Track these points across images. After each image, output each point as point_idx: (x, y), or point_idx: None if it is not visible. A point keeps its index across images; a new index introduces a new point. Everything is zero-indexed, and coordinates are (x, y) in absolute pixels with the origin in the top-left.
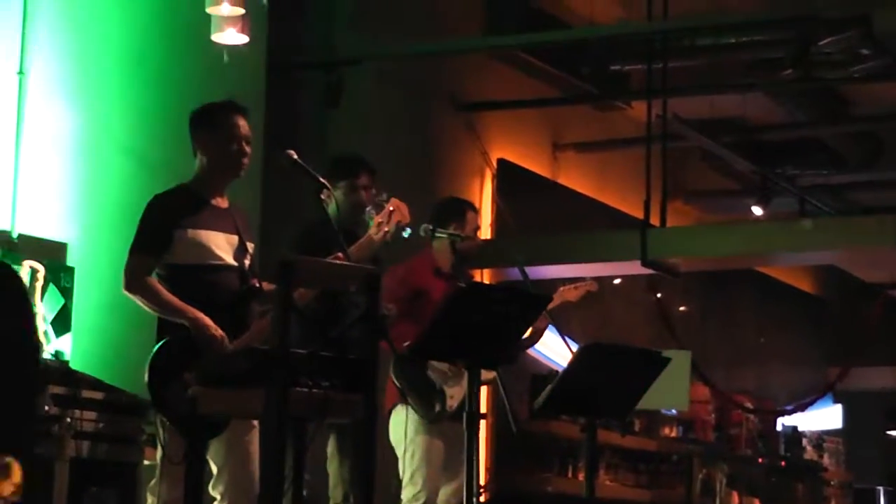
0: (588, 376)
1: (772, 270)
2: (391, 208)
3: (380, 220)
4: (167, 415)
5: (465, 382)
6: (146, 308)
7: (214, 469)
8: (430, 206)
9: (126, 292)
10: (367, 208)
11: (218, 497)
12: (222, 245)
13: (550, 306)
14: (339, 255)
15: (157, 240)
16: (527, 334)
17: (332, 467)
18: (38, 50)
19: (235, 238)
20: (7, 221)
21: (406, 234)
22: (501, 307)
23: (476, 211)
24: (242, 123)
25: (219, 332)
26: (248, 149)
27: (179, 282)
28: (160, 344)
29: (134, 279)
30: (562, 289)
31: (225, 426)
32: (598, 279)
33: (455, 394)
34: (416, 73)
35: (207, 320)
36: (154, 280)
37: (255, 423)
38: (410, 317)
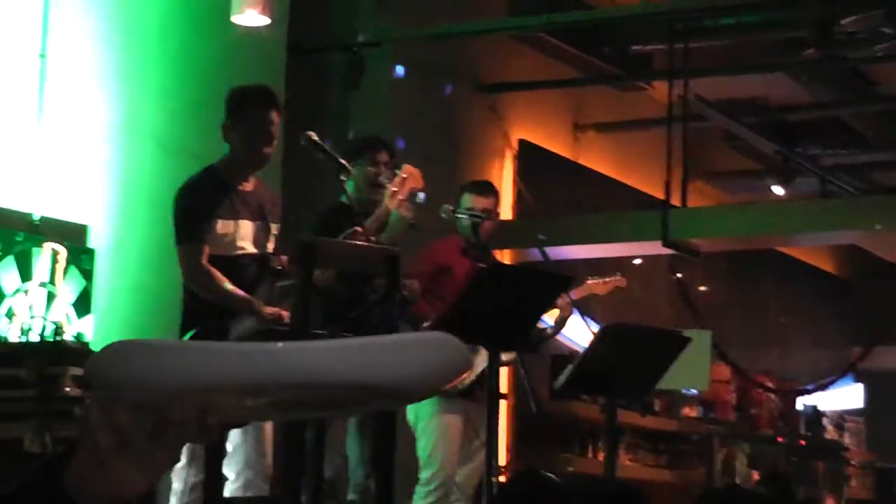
0: (608, 357)
1: (793, 251)
2: (404, 175)
3: (394, 188)
4: None
5: (479, 360)
6: (208, 295)
7: (229, 448)
8: (452, 187)
9: (187, 283)
10: (382, 175)
11: (232, 476)
12: (247, 233)
13: (576, 297)
14: (358, 229)
15: (201, 226)
16: (552, 322)
17: (353, 448)
18: (60, 33)
19: (260, 223)
20: (29, 203)
21: (420, 200)
22: (522, 288)
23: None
24: (273, 119)
25: (276, 309)
26: (272, 146)
27: None
28: (190, 335)
29: (193, 268)
30: (590, 282)
31: None
32: (618, 259)
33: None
34: (438, 55)
35: (271, 309)
36: (211, 267)
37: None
38: (434, 294)
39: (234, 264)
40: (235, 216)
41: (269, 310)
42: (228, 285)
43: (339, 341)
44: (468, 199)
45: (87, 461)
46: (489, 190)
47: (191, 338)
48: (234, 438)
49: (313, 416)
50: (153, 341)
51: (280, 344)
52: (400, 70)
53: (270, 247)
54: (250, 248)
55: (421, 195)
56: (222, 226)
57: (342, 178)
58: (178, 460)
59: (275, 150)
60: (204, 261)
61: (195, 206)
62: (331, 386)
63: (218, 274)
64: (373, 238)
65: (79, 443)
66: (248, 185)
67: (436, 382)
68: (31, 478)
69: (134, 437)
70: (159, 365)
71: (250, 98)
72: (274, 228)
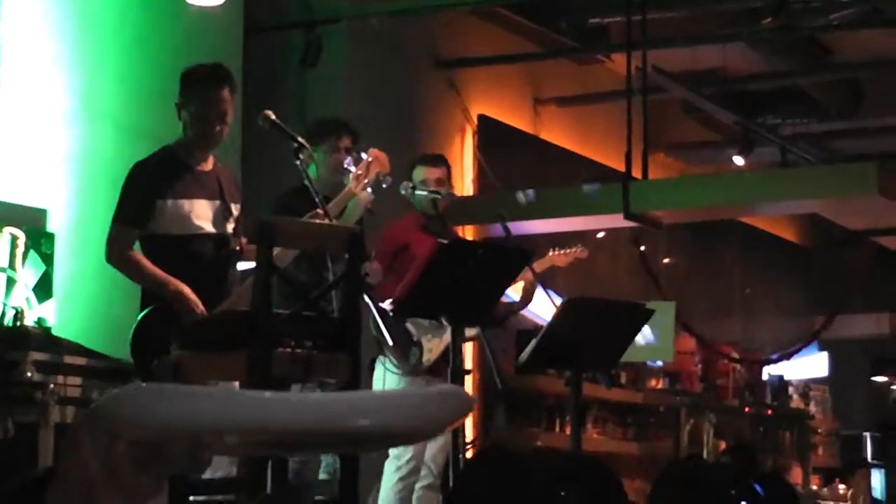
0: (572, 330)
1: (755, 220)
2: (370, 159)
3: (359, 171)
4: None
5: (444, 336)
6: (129, 277)
7: None
8: (410, 164)
9: (108, 262)
10: (346, 161)
11: None
12: (203, 212)
13: (538, 269)
14: (319, 211)
15: (140, 210)
16: (516, 297)
17: None
18: (14, 17)
19: (218, 203)
20: None
21: (385, 184)
22: (484, 263)
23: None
24: (225, 96)
25: (199, 305)
26: (226, 123)
27: (159, 251)
28: (143, 313)
29: (116, 250)
30: (551, 254)
31: None
32: (580, 233)
33: (433, 347)
34: (395, 31)
35: (189, 292)
36: (136, 252)
37: (236, 384)
38: (395, 272)
39: (190, 243)
40: (190, 195)
41: (192, 297)
42: (150, 269)
43: (339, 394)
44: (420, 172)
45: (71, 488)
46: (440, 161)
47: (144, 316)
48: None
49: (307, 453)
50: (165, 386)
51: (284, 394)
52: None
53: (230, 227)
54: (208, 228)
55: (387, 178)
56: (176, 205)
57: (301, 157)
58: (162, 489)
59: (228, 127)
60: (129, 245)
61: (137, 189)
62: (326, 435)
63: (141, 258)
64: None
65: (61, 468)
66: (206, 166)
67: (435, 432)
68: (8, 501)
69: (125, 469)
70: (168, 408)
71: (201, 77)
72: (234, 209)
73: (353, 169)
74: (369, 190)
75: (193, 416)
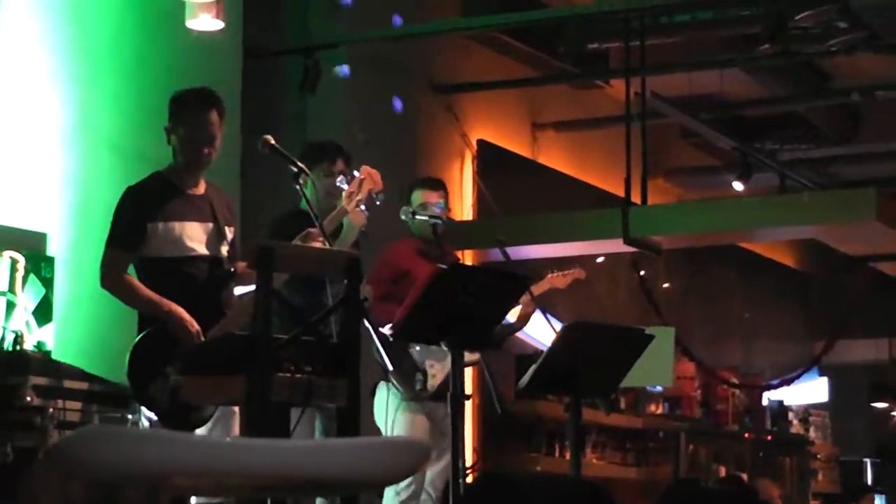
0: (572, 355)
1: (754, 246)
2: (362, 177)
3: (351, 189)
4: (151, 408)
5: (448, 362)
6: (123, 301)
7: None
8: (409, 187)
9: (103, 287)
10: (338, 179)
11: None
12: (196, 235)
13: (537, 292)
14: (311, 230)
15: (131, 234)
16: (514, 319)
17: None
18: (11, 39)
19: (211, 225)
20: None
21: (379, 201)
22: (483, 288)
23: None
24: (213, 119)
25: (194, 326)
26: (214, 146)
27: (153, 274)
28: (140, 337)
29: (110, 274)
30: (549, 276)
31: (209, 417)
32: (580, 258)
33: (437, 373)
34: (394, 56)
35: (184, 314)
36: (129, 276)
37: (235, 409)
38: (394, 298)
39: (183, 265)
40: (182, 218)
41: (187, 319)
42: (144, 292)
43: (295, 443)
44: (419, 196)
45: None
46: (438, 184)
47: (141, 339)
48: None
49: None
50: (122, 429)
51: (241, 440)
52: (345, 69)
53: (224, 250)
54: (201, 250)
55: (380, 196)
56: (167, 228)
57: (300, 181)
58: None
59: (217, 150)
60: (122, 269)
61: (128, 212)
62: (280, 481)
63: (135, 282)
64: (325, 240)
65: None
66: (198, 189)
67: (388, 482)
68: None
69: None
70: (125, 451)
71: (189, 100)
72: (228, 232)
73: (345, 187)
74: (362, 207)
75: (149, 459)
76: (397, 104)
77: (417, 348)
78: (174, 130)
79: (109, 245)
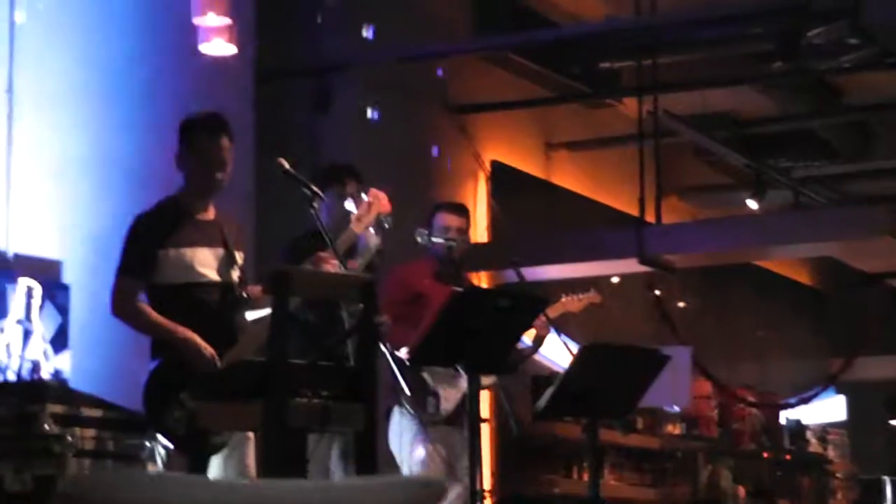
0: (589, 377)
1: (769, 264)
2: (370, 200)
3: (360, 213)
4: (167, 436)
5: (460, 385)
6: (136, 329)
7: (210, 476)
8: (423, 210)
9: (114, 315)
10: (346, 203)
11: None
12: (207, 260)
13: (552, 314)
14: (321, 254)
15: (142, 262)
16: (529, 342)
17: (337, 477)
18: (26, 68)
19: (221, 251)
20: (2, 240)
21: (387, 224)
22: (499, 310)
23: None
24: (224, 144)
25: (209, 350)
26: (226, 172)
27: (164, 301)
28: (154, 364)
29: (121, 303)
30: (564, 299)
31: (226, 443)
32: (595, 278)
33: (450, 396)
34: (406, 77)
35: (198, 340)
36: (141, 303)
37: (251, 434)
38: (409, 320)
39: (194, 291)
40: (192, 244)
41: (202, 345)
42: (157, 319)
43: (305, 484)
44: (441, 219)
45: None
46: (462, 210)
47: (155, 367)
48: (215, 471)
49: None
50: (134, 472)
51: (251, 482)
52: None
53: (235, 275)
54: (213, 276)
55: (388, 219)
56: (178, 254)
57: (314, 205)
58: None
59: (228, 175)
60: (134, 296)
61: (139, 240)
62: None
63: (147, 309)
64: (339, 263)
65: None
66: (208, 214)
67: None
68: None
69: None
70: (136, 494)
71: (200, 126)
72: (238, 257)
73: (354, 210)
74: (372, 230)
75: (160, 501)
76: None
77: (425, 373)
78: (185, 157)
79: (120, 273)
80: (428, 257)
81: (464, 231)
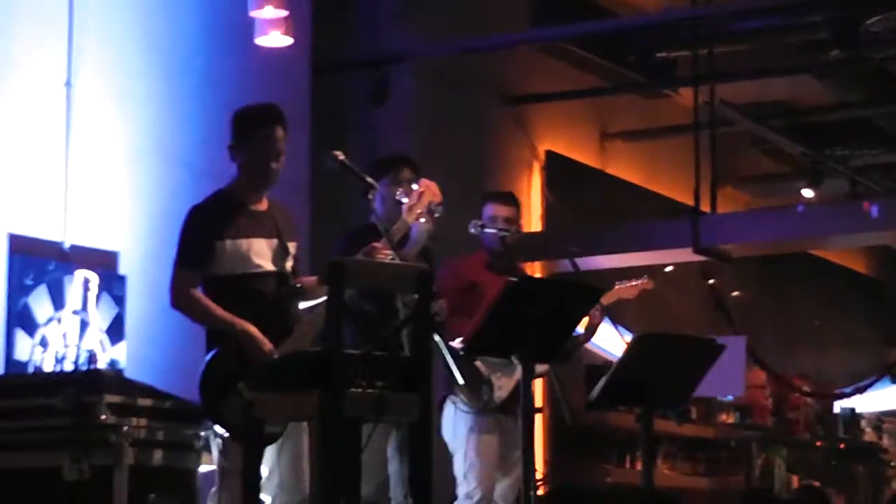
0: (642, 366)
1: (825, 252)
2: (421, 189)
3: (411, 202)
4: (224, 425)
5: (515, 374)
6: (195, 320)
7: (265, 471)
8: (479, 202)
9: (174, 307)
10: (398, 192)
11: (268, 499)
12: (262, 251)
13: (605, 303)
14: (375, 244)
15: (199, 253)
16: (582, 330)
17: (393, 467)
18: (85, 61)
19: (275, 241)
20: (59, 232)
21: (438, 213)
22: (554, 300)
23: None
24: (279, 134)
25: (267, 343)
26: (280, 162)
27: (220, 291)
28: (211, 355)
29: (180, 294)
30: (618, 287)
31: (281, 433)
32: (650, 267)
33: (504, 385)
34: (462, 68)
35: (255, 331)
36: (200, 294)
37: (304, 423)
38: (463, 311)
39: (251, 282)
40: (248, 235)
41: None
42: (215, 310)
43: None
44: (490, 209)
45: None
46: (511, 199)
47: (212, 357)
48: (269, 461)
49: None
50: None
51: None
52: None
53: (289, 266)
54: (268, 266)
55: (439, 208)
56: (234, 245)
57: (370, 197)
58: None
59: (282, 165)
60: (192, 287)
61: (195, 232)
62: None
63: (206, 301)
64: (392, 253)
65: None
66: (261, 205)
67: None
68: None
69: None
70: None
71: (254, 117)
72: (291, 248)
73: (405, 200)
74: (422, 220)
75: None
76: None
77: (478, 361)
78: (240, 147)
79: (178, 265)
80: (481, 249)
81: (513, 220)
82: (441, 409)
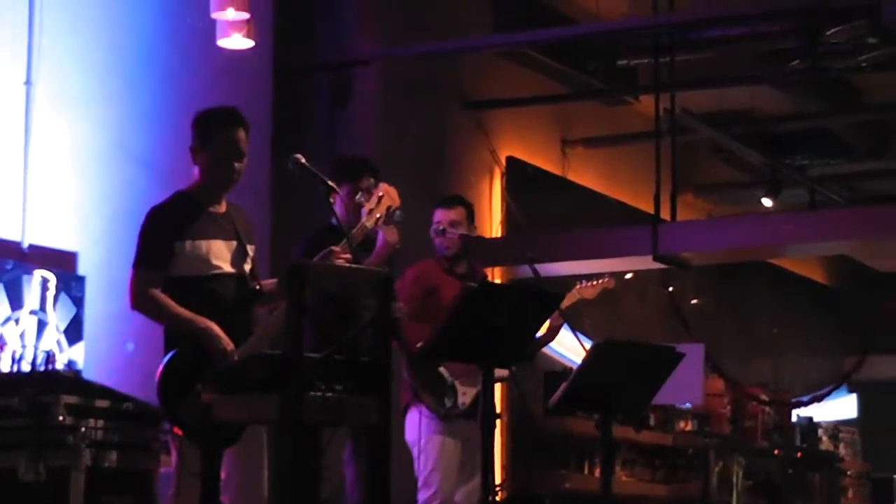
0: (602, 373)
1: (784, 262)
2: (380, 194)
3: (370, 206)
4: (182, 427)
5: (477, 380)
6: (156, 320)
7: (223, 475)
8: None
9: (134, 309)
10: (357, 196)
11: (226, 503)
12: (221, 253)
13: (567, 304)
14: (334, 248)
15: (159, 254)
16: (543, 333)
17: (350, 471)
18: (45, 60)
19: (234, 243)
20: (18, 232)
21: (397, 218)
22: (514, 306)
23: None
24: (241, 137)
25: (228, 343)
26: (242, 163)
27: (179, 293)
28: (169, 356)
29: (140, 294)
30: (578, 286)
31: (240, 435)
32: (609, 275)
33: (468, 391)
34: (424, 73)
35: (217, 330)
36: (160, 294)
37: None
38: (423, 316)
39: (210, 283)
40: (207, 236)
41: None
42: (175, 309)
43: None
44: (435, 214)
45: None
46: (454, 202)
47: (170, 358)
48: (228, 464)
49: None
50: None
51: None
52: None
53: (247, 268)
54: (227, 268)
55: (398, 213)
56: (193, 246)
57: (331, 200)
58: None
59: (245, 166)
60: (152, 287)
61: (155, 232)
62: None
63: (166, 300)
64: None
65: None
66: (220, 207)
67: None
68: None
69: None
70: None
71: (216, 118)
72: (250, 250)
73: (365, 204)
74: (392, 226)
75: None
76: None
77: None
78: (201, 149)
79: (137, 266)
80: (439, 254)
81: (459, 223)
82: (406, 414)
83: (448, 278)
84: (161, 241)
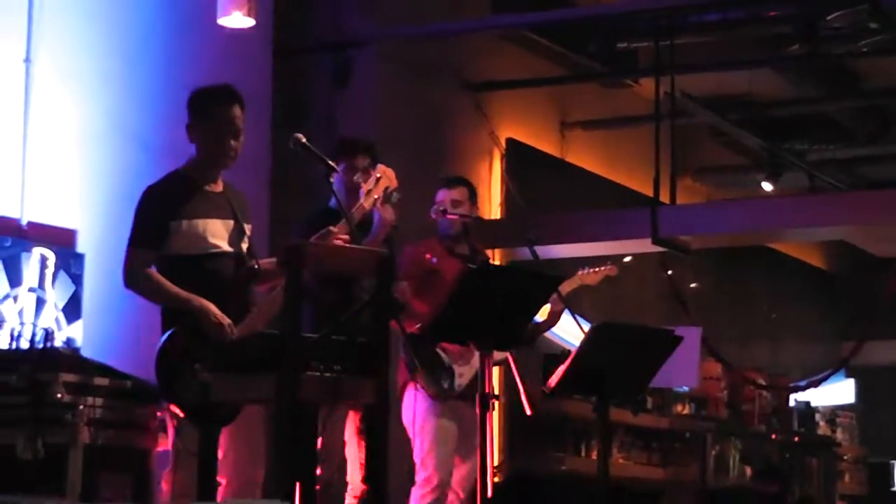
0: (600, 356)
1: (782, 246)
2: (377, 175)
3: (367, 187)
4: (179, 405)
5: (475, 362)
6: (150, 299)
7: (220, 454)
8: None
9: (127, 287)
10: (355, 176)
11: (223, 482)
12: (218, 231)
13: (567, 289)
14: (332, 228)
15: (154, 232)
16: (544, 317)
17: (351, 451)
18: (45, 38)
19: (231, 222)
20: (17, 209)
21: (395, 199)
22: (513, 288)
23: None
24: (237, 114)
25: (225, 319)
26: (239, 140)
27: (176, 272)
28: (167, 335)
29: (134, 273)
30: (580, 273)
31: (237, 414)
32: (608, 257)
33: (465, 372)
34: (424, 53)
35: (213, 308)
36: (155, 272)
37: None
38: (423, 296)
39: (208, 262)
40: (204, 215)
41: (218, 313)
42: (171, 288)
43: None
44: (438, 195)
45: None
46: (456, 182)
47: (168, 337)
48: (223, 444)
49: None
50: None
51: None
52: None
53: (244, 247)
54: (225, 247)
55: (395, 194)
56: (190, 225)
57: (331, 180)
58: None
59: (241, 144)
60: (146, 267)
61: (150, 211)
62: None
63: (161, 279)
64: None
65: None
66: (217, 186)
67: None
68: None
69: None
70: None
71: (212, 95)
72: (247, 229)
73: (362, 184)
74: (390, 207)
75: None
76: None
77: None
78: (198, 126)
79: (132, 244)
80: (441, 234)
81: (460, 203)
82: (402, 394)
83: (450, 258)
84: (156, 221)
